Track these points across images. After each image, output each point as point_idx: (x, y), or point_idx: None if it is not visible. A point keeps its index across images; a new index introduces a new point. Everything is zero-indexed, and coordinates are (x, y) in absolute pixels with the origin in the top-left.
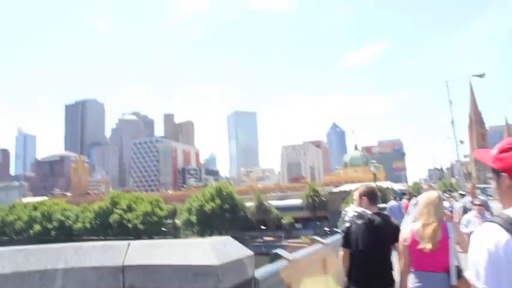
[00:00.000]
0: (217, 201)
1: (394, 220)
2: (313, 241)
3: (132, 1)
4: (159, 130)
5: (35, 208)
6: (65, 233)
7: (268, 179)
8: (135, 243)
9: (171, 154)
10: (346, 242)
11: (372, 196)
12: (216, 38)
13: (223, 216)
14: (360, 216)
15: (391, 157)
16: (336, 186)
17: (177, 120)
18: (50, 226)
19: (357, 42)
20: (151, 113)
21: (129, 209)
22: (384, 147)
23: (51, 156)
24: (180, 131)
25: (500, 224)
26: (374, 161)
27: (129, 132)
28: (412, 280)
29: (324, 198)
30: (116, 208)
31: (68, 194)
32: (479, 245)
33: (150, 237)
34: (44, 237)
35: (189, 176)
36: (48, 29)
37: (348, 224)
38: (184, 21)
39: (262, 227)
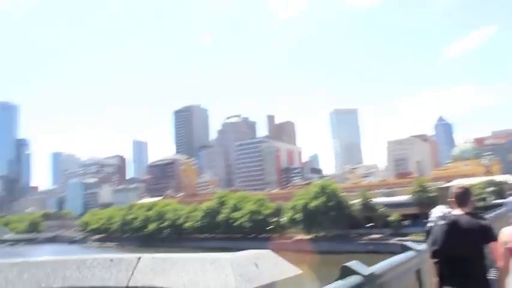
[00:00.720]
0: (322, 198)
1: (485, 221)
2: (404, 248)
3: (231, 11)
4: (260, 131)
5: (149, 208)
6: (177, 232)
7: (372, 176)
8: (146, 258)
9: (274, 154)
10: (429, 242)
11: (459, 197)
12: (313, 38)
13: (328, 213)
14: (443, 217)
15: (508, 149)
16: (447, 181)
17: (278, 120)
18: (163, 225)
19: (461, 32)
20: (253, 115)
21: (236, 208)
22: (498, 138)
23: (163, 160)
24: (282, 131)
25: None
26: (487, 154)
27: (233, 134)
28: None
29: (432, 194)
30: (223, 207)
31: (179, 194)
32: None
33: (256, 235)
34: (157, 236)
35: (293, 174)
36: (157, 43)
37: (430, 225)
38: (281, 24)
39: (368, 225)
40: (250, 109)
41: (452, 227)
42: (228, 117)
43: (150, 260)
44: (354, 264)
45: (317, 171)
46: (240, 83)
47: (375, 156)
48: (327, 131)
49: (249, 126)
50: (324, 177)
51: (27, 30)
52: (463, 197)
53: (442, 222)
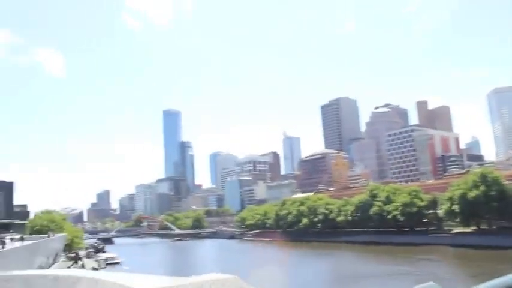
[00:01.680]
0: (482, 188)
1: None
2: None
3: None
4: (413, 119)
5: (301, 203)
6: (329, 226)
7: None
8: (87, 278)
9: (427, 142)
10: None
11: None
12: (459, 14)
13: (489, 204)
14: None
15: None
16: None
17: (431, 106)
18: (315, 219)
19: None
20: (403, 103)
21: (388, 200)
22: None
23: (313, 155)
24: (435, 118)
25: None
26: None
27: (383, 124)
28: None
29: None
30: (375, 200)
31: (331, 188)
32: None
33: (411, 228)
34: (310, 230)
35: (449, 163)
36: (300, 35)
37: None
38: (419, 7)
39: None
40: (400, 96)
41: None
42: (377, 107)
43: (90, 280)
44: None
45: (477, 158)
46: (388, 69)
47: None
48: (485, 115)
49: (400, 114)
50: (484, 164)
51: (180, 40)
52: None
53: None
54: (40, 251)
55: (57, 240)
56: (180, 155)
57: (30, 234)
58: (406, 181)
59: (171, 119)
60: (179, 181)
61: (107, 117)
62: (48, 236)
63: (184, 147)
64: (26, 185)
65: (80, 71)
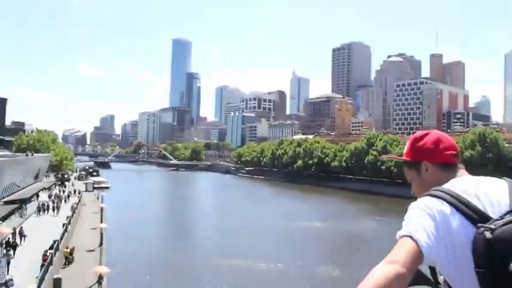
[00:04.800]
0: (478, 148)
1: None
2: None
3: None
4: (425, 72)
5: (298, 144)
6: (323, 170)
7: None
8: None
9: (436, 96)
10: None
11: None
12: None
13: (484, 166)
14: None
15: None
16: None
17: (446, 60)
18: (310, 162)
19: None
20: (418, 54)
21: (385, 151)
22: None
23: (319, 97)
24: (448, 72)
25: (442, 198)
26: None
27: (394, 74)
28: None
29: None
30: (372, 149)
31: (332, 133)
32: (418, 211)
33: (403, 180)
34: (305, 172)
35: (455, 120)
36: None
37: None
38: None
39: None
40: (416, 48)
41: None
42: (390, 56)
43: None
44: None
45: (483, 117)
46: (407, 18)
47: None
48: (500, 76)
49: (413, 66)
50: (489, 125)
51: None
52: None
53: None
54: (11, 170)
55: (39, 160)
56: (186, 86)
57: (16, 152)
58: (408, 133)
59: (181, 48)
60: (183, 112)
61: (118, 41)
62: (27, 155)
63: (191, 78)
64: (34, 105)
65: None
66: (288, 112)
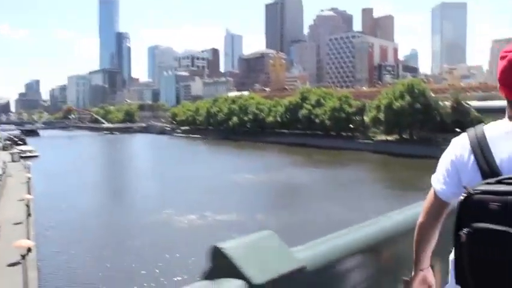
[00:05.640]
0: (407, 99)
1: None
2: None
3: None
4: (357, 26)
5: (233, 102)
6: (259, 126)
7: (474, 78)
8: None
9: (367, 50)
10: None
11: None
12: None
13: (413, 115)
14: None
15: None
16: None
17: (376, 14)
18: (245, 118)
19: None
20: (350, 8)
21: (318, 104)
22: None
23: (253, 54)
24: (378, 26)
25: (469, 136)
26: None
27: (327, 29)
28: None
29: None
30: (305, 103)
31: (267, 89)
32: (446, 151)
33: (338, 133)
34: (241, 129)
35: (385, 72)
36: None
37: None
38: None
39: (458, 130)
40: (348, 2)
41: None
42: (322, 10)
43: None
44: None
45: (412, 69)
46: None
47: (481, 57)
48: (428, 29)
49: (345, 20)
50: (417, 76)
51: None
52: None
53: None
54: None
55: None
56: (116, 47)
57: None
58: (342, 86)
59: (107, 6)
60: (114, 73)
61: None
62: None
63: (121, 38)
64: None
65: None
66: (222, 70)
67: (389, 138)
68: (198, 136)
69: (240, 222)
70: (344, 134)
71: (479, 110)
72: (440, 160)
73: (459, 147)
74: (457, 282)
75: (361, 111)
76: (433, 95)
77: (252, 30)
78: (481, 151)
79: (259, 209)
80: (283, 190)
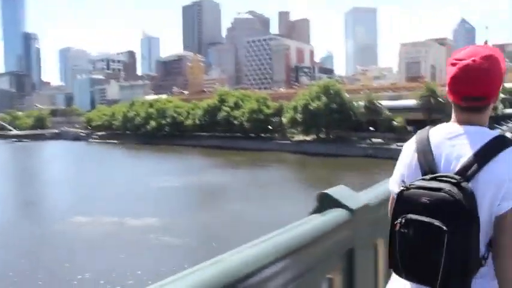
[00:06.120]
0: (323, 99)
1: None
2: None
3: None
4: (274, 29)
5: (151, 105)
6: (178, 129)
7: (385, 78)
8: None
9: (284, 52)
10: None
11: None
12: None
13: (330, 115)
14: None
15: None
16: None
17: (293, 18)
18: (164, 122)
19: None
20: (267, 12)
21: (237, 106)
22: None
23: (170, 56)
24: (295, 29)
25: (416, 139)
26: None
27: (244, 31)
28: None
29: (441, 100)
30: (224, 105)
31: (185, 92)
32: (400, 155)
33: (257, 135)
34: (159, 133)
35: (302, 74)
36: None
37: None
38: None
39: (371, 128)
40: (265, 5)
41: None
42: (239, 13)
43: None
44: (338, 191)
45: (328, 71)
46: None
47: (391, 59)
48: (342, 32)
49: (263, 23)
50: (333, 77)
51: None
52: None
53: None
54: None
55: None
56: (23, 48)
57: None
58: (260, 88)
59: (11, 5)
60: (22, 77)
61: None
62: None
63: (29, 39)
64: None
65: None
66: (139, 73)
67: (307, 138)
68: (115, 141)
69: (160, 226)
70: (263, 135)
71: (390, 109)
72: (396, 164)
73: (407, 150)
74: (390, 264)
75: (279, 112)
76: (347, 95)
77: (169, 33)
78: (423, 152)
79: (180, 212)
80: (204, 192)
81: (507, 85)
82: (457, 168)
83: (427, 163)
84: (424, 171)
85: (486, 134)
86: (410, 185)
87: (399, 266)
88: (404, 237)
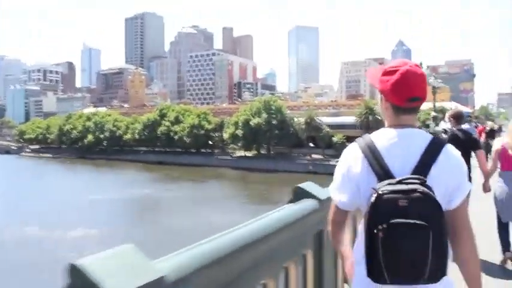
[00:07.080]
0: (264, 115)
1: (473, 135)
2: None
3: None
4: (218, 44)
5: (88, 119)
6: (116, 144)
7: (326, 96)
8: None
9: (227, 67)
10: None
11: (456, 117)
12: None
13: (270, 131)
14: (445, 131)
15: (460, 78)
16: None
17: (236, 34)
18: (102, 136)
19: None
20: (210, 27)
21: (177, 121)
22: (452, 68)
23: (111, 69)
24: (238, 45)
25: (359, 145)
26: (440, 82)
27: (188, 46)
28: (498, 178)
29: (379, 117)
30: (164, 120)
31: (126, 105)
32: (339, 161)
33: (197, 150)
34: (97, 147)
35: (245, 90)
36: None
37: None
38: None
39: (311, 145)
40: (209, 20)
41: (453, 138)
42: (183, 27)
43: None
44: (308, 185)
45: (270, 87)
46: None
47: (332, 77)
48: (285, 50)
49: (206, 38)
50: (275, 94)
51: None
52: (459, 116)
53: (445, 135)
54: None
55: None
56: None
57: None
58: (202, 103)
59: None
60: None
61: None
62: None
63: None
64: None
65: None
66: (79, 85)
67: (247, 154)
68: (50, 155)
69: (96, 238)
70: (204, 150)
71: (331, 125)
72: (335, 172)
73: (351, 157)
74: (369, 274)
75: (220, 127)
76: (289, 111)
77: (111, 45)
78: (374, 157)
79: (116, 225)
80: (141, 207)
81: (438, 104)
82: (411, 169)
83: (381, 168)
84: (379, 175)
85: (425, 135)
86: (382, 191)
87: (384, 273)
88: (390, 243)
